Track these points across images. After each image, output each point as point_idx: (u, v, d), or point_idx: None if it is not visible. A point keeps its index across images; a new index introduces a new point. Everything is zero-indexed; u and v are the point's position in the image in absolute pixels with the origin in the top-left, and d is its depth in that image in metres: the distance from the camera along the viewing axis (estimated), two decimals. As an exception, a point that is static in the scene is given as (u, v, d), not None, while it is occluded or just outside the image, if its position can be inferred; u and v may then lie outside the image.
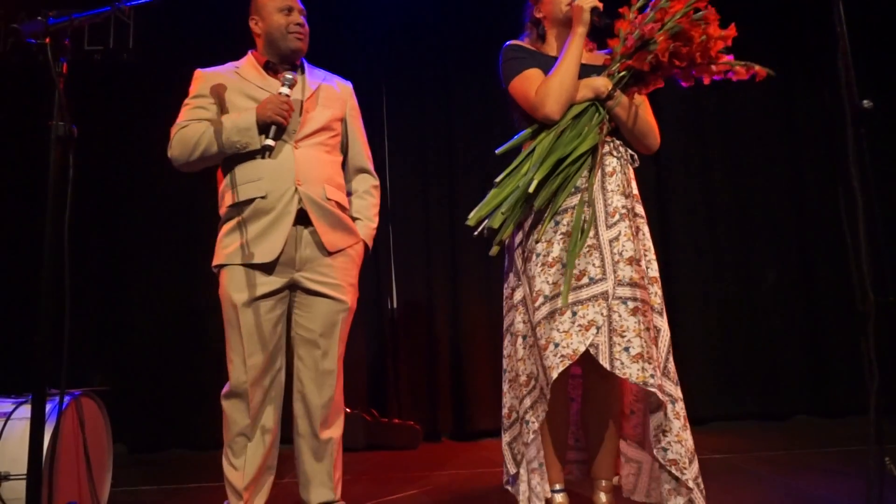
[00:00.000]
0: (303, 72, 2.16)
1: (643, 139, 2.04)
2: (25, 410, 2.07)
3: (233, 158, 2.04)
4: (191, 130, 2.03)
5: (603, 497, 1.98)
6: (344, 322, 2.10)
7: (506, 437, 2.02)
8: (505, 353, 2.07)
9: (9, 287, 3.67)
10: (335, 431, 2.10)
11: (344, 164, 2.22)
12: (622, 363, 1.80)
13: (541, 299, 1.89)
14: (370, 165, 2.27)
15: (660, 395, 1.80)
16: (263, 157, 1.97)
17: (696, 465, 1.85)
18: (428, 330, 3.92)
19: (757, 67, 1.91)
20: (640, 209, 2.02)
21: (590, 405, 2.03)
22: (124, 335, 3.77)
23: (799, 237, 4.03)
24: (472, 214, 1.91)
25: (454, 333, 3.91)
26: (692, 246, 3.99)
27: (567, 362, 1.80)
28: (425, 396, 3.85)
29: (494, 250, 1.94)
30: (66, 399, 2.13)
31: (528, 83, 1.99)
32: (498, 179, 1.95)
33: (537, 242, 1.94)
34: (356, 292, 2.15)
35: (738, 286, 3.98)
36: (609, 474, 2.00)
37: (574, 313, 1.84)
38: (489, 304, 3.88)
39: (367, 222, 2.20)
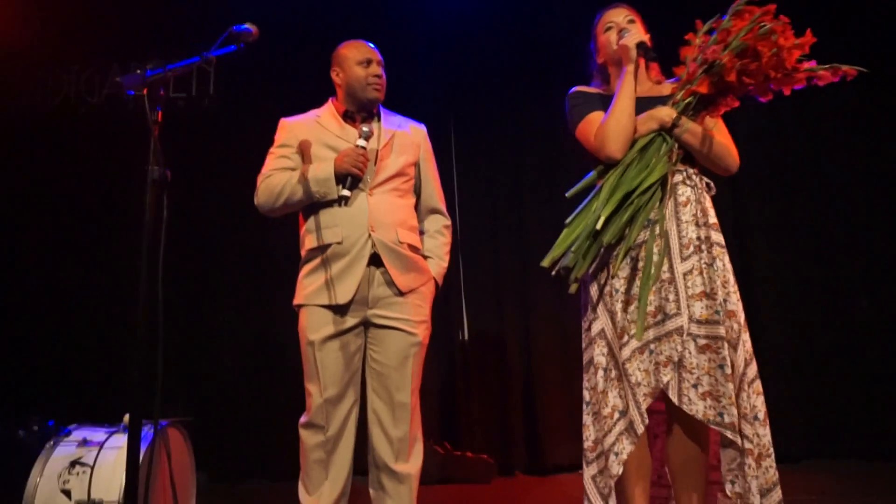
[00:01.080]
0: (379, 119, 2.25)
1: (719, 162, 1.99)
2: (117, 440, 2.17)
3: (313, 205, 2.15)
4: (275, 180, 2.16)
5: (690, 539, 1.90)
6: (416, 356, 2.15)
7: (590, 471, 1.96)
8: (587, 385, 2.04)
9: (106, 321, 3.88)
10: (413, 466, 2.13)
11: (417, 205, 2.31)
12: (689, 399, 1.80)
13: (626, 337, 1.88)
14: (442, 206, 2.35)
15: (729, 434, 1.76)
16: (340, 206, 2.06)
17: (768, 501, 1.79)
18: (499, 362, 3.89)
19: (845, 68, 1.81)
20: (718, 237, 1.96)
21: (674, 441, 1.96)
22: (205, 367, 3.91)
23: (893, 255, 3.79)
24: (546, 257, 1.93)
25: (526, 365, 3.86)
26: (775, 271, 3.82)
27: (649, 400, 1.82)
28: (498, 429, 3.80)
29: (573, 288, 1.93)
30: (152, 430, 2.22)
31: (590, 126, 2.02)
32: (569, 220, 1.96)
33: (613, 278, 1.93)
34: (429, 328, 2.20)
35: (829, 313, 3.76)
36: (696, 512, 1.92)
37: (652, 351, 1.84)
38: (561, 336, 3.83)
39: (438, 261, 2.28)
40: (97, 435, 2.19)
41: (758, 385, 1.89)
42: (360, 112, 2.23)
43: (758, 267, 3.83)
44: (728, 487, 1.80)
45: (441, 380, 3.88)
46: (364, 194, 2.13)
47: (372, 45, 2.26)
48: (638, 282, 1.90)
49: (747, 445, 1.81)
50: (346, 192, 2.03)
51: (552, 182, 3.95)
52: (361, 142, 2.09)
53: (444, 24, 4.11)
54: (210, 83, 3.93)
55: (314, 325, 2.10)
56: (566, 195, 2.01)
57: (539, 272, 3.77)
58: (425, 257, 2.25)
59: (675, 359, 1.81)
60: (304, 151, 2.18)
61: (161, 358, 1.38)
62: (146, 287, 1.37)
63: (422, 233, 2.30)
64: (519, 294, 3.92)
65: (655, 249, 1.88)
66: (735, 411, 1.77)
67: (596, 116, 2.03)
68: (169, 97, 3.94)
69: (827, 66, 1.82)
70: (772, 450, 1.85)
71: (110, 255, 3.95)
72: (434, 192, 2.34)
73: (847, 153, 3.88)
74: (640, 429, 1.82)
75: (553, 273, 1.93)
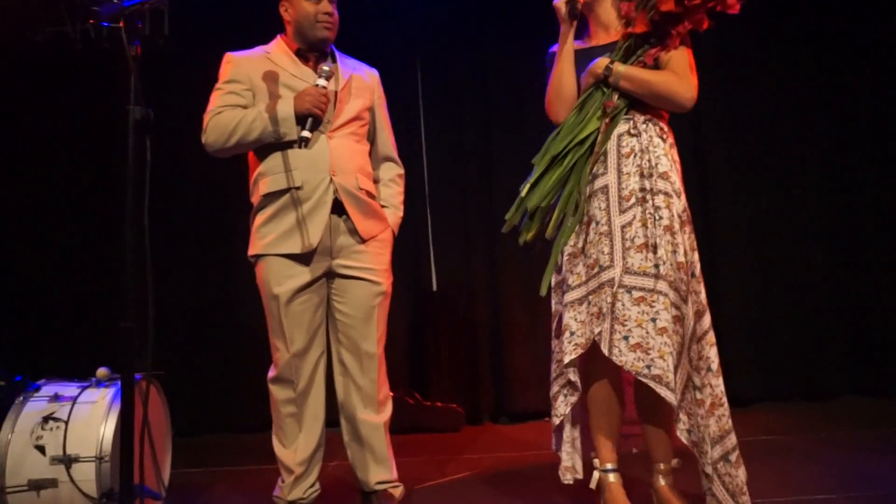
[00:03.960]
0: (334, 60, 2.16)
1: (666, 101, 1.93)
2: (90, 394, 2.11)
3: (267, 147, 2.06)
4: (226, 117, 2.03)
5: (661, 480, 1.96)
6: (381, 305, 2.14)
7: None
8: (553, 334, 2.10)
9: (73, 275, 3.74)
10: (383, 415, 2.16)
11: (371, 152, 2.25)
12: (620, 350, 1.81)
13: (565, 286, 1.95)
14: (395, 154, 2.31)
15: (653, 385, 1.78)
16: (301, 147, 1.97)
17: (718, 451, 1.88)
18: (468, 313, 3.92)
19: None
20: (665, 186, 1.89)
21: (637, 389, 2.00)
22: (165, 322, 3.80)
23: (844, 214, 3.92)
24: (506, 224, 2.03)
25: (494, 316, 3.91)
26: (732, 224, 3.92)
27: (580, 350, 1.88)
28: (467, 379, 3.86)
29: (534, 250, 2.04)
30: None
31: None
32: (521, 187, 1.99)
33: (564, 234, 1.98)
34: (390, 276, 2.19)
35: (781, 264, 3.90)
36: (666, 457, 1.98)
37: (589, 302, 1.89)
38: (529, 286, 3.84)
39: (394, 210, 2.25)
40: (69, 390, 2.12)
41: (711, 337, 1.94)
42: (311, 51, 2.13)
43: (715, 217, 3.91)
44: (685, 437, 1.85)
45: (410, 331, 3.89)
46: (324, 137, 2.06)
47: None
48: (583, 237, 1.94)
49: (699, 396, 1.88)
50: (306, 134, 1.94)
51: (521, 129, 3.91)
52: (321, 81, 1.99)
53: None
54: (165, 23, 3.69)
55: (277, 278, 2.04)
56: (532, 162, 2.02)
57: (502, 224, 3.84)
58: (382, 206, 2.22)
59: (605, 310, 1.84)
60: (253, 83, 2.06)
61: (152, 308, 1.32)
62: (132, 237, 1.30)
63: (376, 181, 2.25)
64: (487, 244, 3.93)
65: (596, 204, 1.92)
66: (663, 364, 1.78)
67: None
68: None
69: None
70: (724, 399, 1.91)
71: (76, 203, 3.80)
72: (388, 138, 2.29)
73: (804, 113, 3.97)
74: (573, 376, 1.90)
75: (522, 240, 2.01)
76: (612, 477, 1.95)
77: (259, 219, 2.09)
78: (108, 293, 3.62)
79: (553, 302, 2.05)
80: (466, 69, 4.02)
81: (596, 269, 1.89)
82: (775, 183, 3.95)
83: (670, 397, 1.78)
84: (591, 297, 1.90)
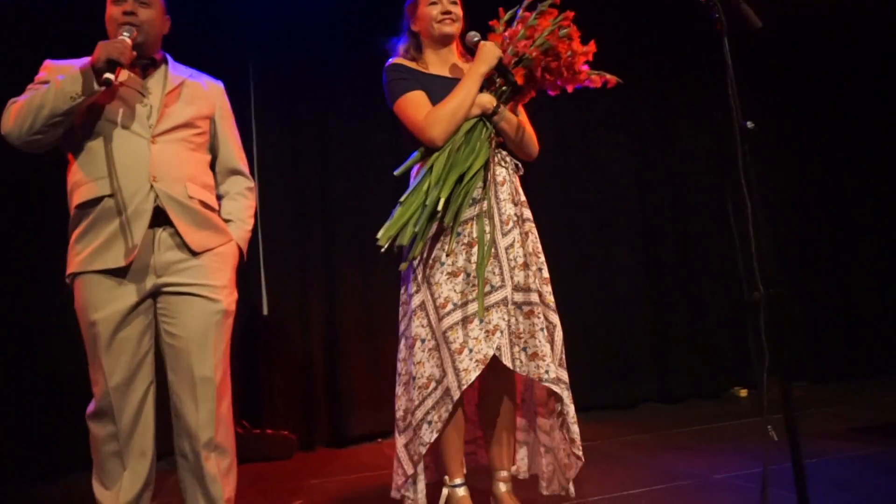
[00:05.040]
0: (165, 65, 2.03)
1: (525, 149, 2.18)
2: None
3: (78, 153, 1.88)
4: (24, 100, 1.82)
5: (502, 487, 2.08)
6: (219, 325, 1.91)
7: (401, 440, 2.06)
8: (401, 357, 2.12)
9: None
10: (224, 453, 1.92)
11: (213, 165, 2.10)
12: (521, 362, 1.98)
13: (450, 306, 1.98)
14: (243, 167, 2.15)
15: (554, 388, 1.97)
16: (105, 88, 1.77)
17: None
18: (301, 337, 3.82)
19: (607, 76, 2.10)
20: (528, 213, 2.15)
21: (488, 401, 2.13)
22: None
23: (643, 234, 4.46)
24: (381, 233, 1.96)
25: (328, 339, 3.85)
26: (557, 248, 4.25)
27: (481, 366, 1.93)
28: (300, 405, 3.75)
29: (404, 266, 2.04)
30: None
31: (412, 106, 2.08)
32: (402, 198, 2.01)
33: (443, 252, 2.02)
34: (232, 294, 1.98)
35: (596, 284, 4.30)
36: (507, 465, 2.11)
37: (481, 320, 1.96)
38: (364, 310, 3.89)
39: (240, 224, 2.06)
40: None
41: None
42: (135, 60, 1.94)
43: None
44: (569, 435, 2.00)
45: (240, 357, 3.68)
46: (144, 141, 1.87)
47: None
48: (464, 256, 2.02)
49: (567, 393, 2.02)
50: (109, 76, 1.73)
51: (359, 149, 3.94)
52: (126, 38, 1.82)
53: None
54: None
55: (94, 301, 1.83)
56: (395, 173, 2.07)
57: (343, 244, 3.83)
58: (226, 221, 2.03)
59: (503, 327, 1.95)
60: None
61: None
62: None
63: (220, 197, 2.08)
64: (323, 267, 3.88)
65: (487, 228, 2.01)
66: (553, 367, 1.97)
67: (418, 96, 2.09)
68: None
69: (597, 72, 2.10)
70: None
71: None
72: (233, 151, 2.12)
73: (614, 151, 4.48)
74: (457, 394, 1.92)
75: (383, 250, 1.96)
76: (461, 491, 2.02)
77: (74, 234, 1.88)
78: None
79: (413, 325, 2.04)
80: (304, 83, 3.95)
81: (487, 289, 1.98)
82: (594, 206, 4.37)
83: (561, 393, 1.98)
84: (483, 315, 1.95)
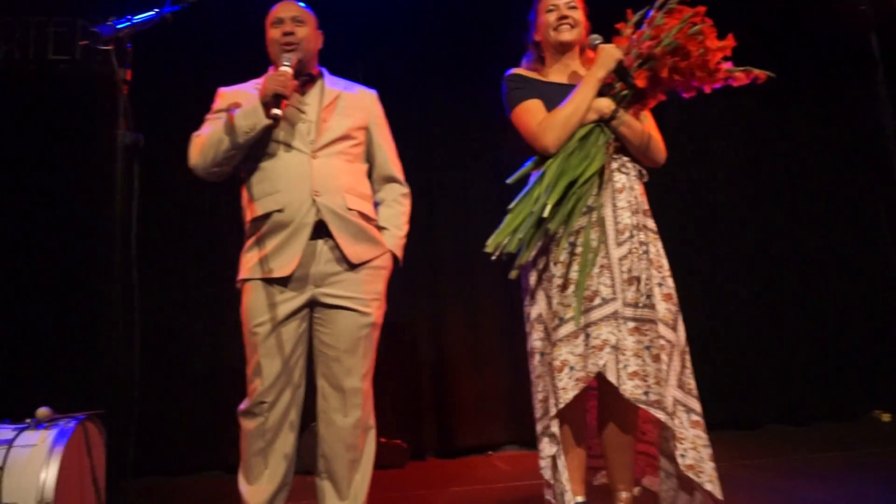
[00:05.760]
0: (321, 80, 2.13)
1: (650, 155, 2.10)
2: (28, 437, 1.95)
3: (251, 172, 2.02)
4: (204, 136, 2.01)
5: (624, 507, 2.01)
6: (368, 338, 2.03)
7: (539, 449, 2.02)
8: (532, 370, 2.10)
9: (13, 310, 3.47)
10: (364, 460, 2.04)
11: (371, 174, 2.19)
12: (623, 380, 1.88)
13: (557, 320, 1.95)
14: (398, 173, 2.21)
15: (651, 411, 1.87)
16: (275, 124, 1.92)
17: (712, 464, 1.93)
18: (411, 348, 3.88)
19: (756, 71, 1.96)
20: (650, 223, 2.07)
21: (606, 417, 2.06)
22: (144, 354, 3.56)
23: (762, 250, 4.19)
24: (489, 241, 1.96)
25: (437, 351, 3.89)
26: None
27: (581, 385, 1.89)
28: (409, 414, 3.80)
29: (514, 274, 1.99)
30: (73, 423, 2.03)
31: (528, 114, 2.07)
32: (511, 206, 2.00)
33: (554, 264, 1.99)
34: (383, 306, 2.09)
35: (705, 291, 4.07)
36: (628, 485, 2.03)
37: (588, 335, 1.90)
38: (472, 321, 3.90)
39: (394, 231, 2.13)
40: (3, 433, 1.95)
41: (690, 364, 2.02)
42: (295, 77, 2.05)
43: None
44: (680, 461, 1.90)
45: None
46: (306, 157, 2.00)
47: (303, 5, 2.13)
48: (576, 266, 1.96)
49: (694, 417, 1.93)
50: (277, 111, 1.86)
51: (464, 161, 3.95)
52: (285, 67, 1.95)
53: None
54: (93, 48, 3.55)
55: (256, 307, 1.97)
56: (507, 181, 2.05)
57: (449, 251, 3.85)
58: (381, 228, 2.12)
59: (612, 342, 1.89)
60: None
61: (138, 338, 1.24)
62: (119, 272, 1.21)
63: (377, 204, 2.17)
64: (430, 278, 3.92)
65: (593, 236, 1.95)
66: (661, 390, 1.87)
67: (533, 104, 2.08)
68: (48, 58, 3.53)
69: (742, 68, 1.96)
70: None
71: (9, 233, 3.56)
72: (388, 158, 2.20)
73: (735, 153, 4.24)
74: (553, 411, 1.89)
75: (493, 258, 1.95)
76: (579, 510, 1.98)
77: (246, 244, 2.04)
78: (64, 329, 3.43)
79: (534, 338, 2.03)
80: (408, 100, 3.95)
81: (597, 301, 1.92)
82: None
83: (668, 421, 1.86)
84: (590, 330, 1.91)
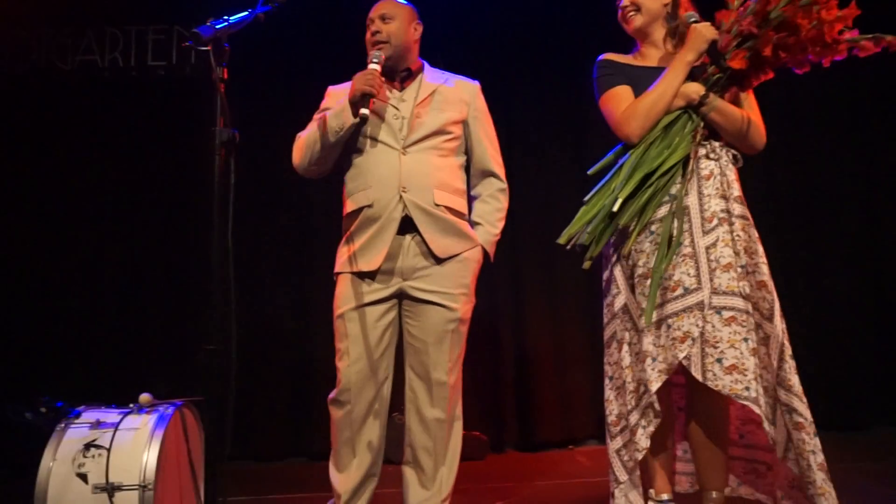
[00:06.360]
0: (421, 75, 2.15)
1: (745, 140, 1.98)
2: (132, 421, 2.07)
3: (347, 169, 2.08)
4: (305, 135, 2.09)
5: (715, 508, 1.93)
6: (455, 332, 2.03)
7: (613, 445, 1.98)
8: (609, 360, 2.05)
9: (111, 302, 3.70)
10: (452, 450, 2.06)
11: (469, 167, 2.19)
12: (714, 374, 1.78)
13: (640, 311, 1.89)
14: (497, 168, 2.18)
15: (754, 408, 1.76)
16: (362, 124, 1.96)
17: (822, 474, 1.81)
18: (492, 341, 3.87)
19: (888, 38, 1.77)
20: (742, 210, 1.95)
21: (694, 416, 1.99)
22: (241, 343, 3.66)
23: (871, 242, 3.91)
24: (563, 234, 1.93)
25: (517, 342, 3.87)
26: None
27: (664, 377, 1.81)
28: (490, 407, 3.80)
29: (587, 265, 1.95)
30: (171, 409, 2.12)
31: (614, 101, 2.00)
32: (587, 198, 1.96)
33: (637, 253, 1.93)
34: (471, 300, 2.09)
35: (805, 293, 3.87)
36: (719, 485, 1.95)
37: (669, 326, 1.83)
38: (554, 314, 3.85)
39: (487, 227, 2.13)
40: (110, 416, 2.07)
41: (792, 359, 1.90)
42: (392, 72, 2.12)
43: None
44: (792, 467, 1.81)
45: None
46: (396, 153, 2.03)
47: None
48: (654, 256, 1.89)
49: (797, 419, 1.82)
50: (364, 111, 1.90)
51: (543, 149, 3.89)
52: (373, 65, 1.99)
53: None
54: (192, 51, 3.74)
55: (344, 296, 2.03)
56: (588, 172, 2.01)
57: (532, 249, 3.82)
58: (474, 224, 2.12)
59: (695, 334, 1.80)
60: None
61: (235, 329, 1.30)
62: (218, 255, 1.28)
63: (475, 198, 2.17)
64: (511, 271, 3.90)
65: (674, 226, 1.87)
66: (759, 387, 1.77)
67: (622, 91, 2.00)
68: (148, 64, 3.75)
69: (870, 35, 1.77)
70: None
71: (115, 229, 3.78)
72: (486, 152, 2.16)
73: (828, 132, 3.96)
74: (645, 399, 1.82)
75: (568, 248, 1.94)
76: (669, 508, 1.92)
77: (343, 239, 2.11)
78: (163, 319, 3.62)
79: (618, 328, 1.98)
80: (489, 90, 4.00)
81: (679, 292, 1.85)
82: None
83: (767, 423, 1.77)
84: (671, 321, 1.84)
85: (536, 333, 3.85)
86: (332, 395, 2.06)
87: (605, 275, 2.06)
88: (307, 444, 3.62)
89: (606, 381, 2.04)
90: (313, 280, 3.62)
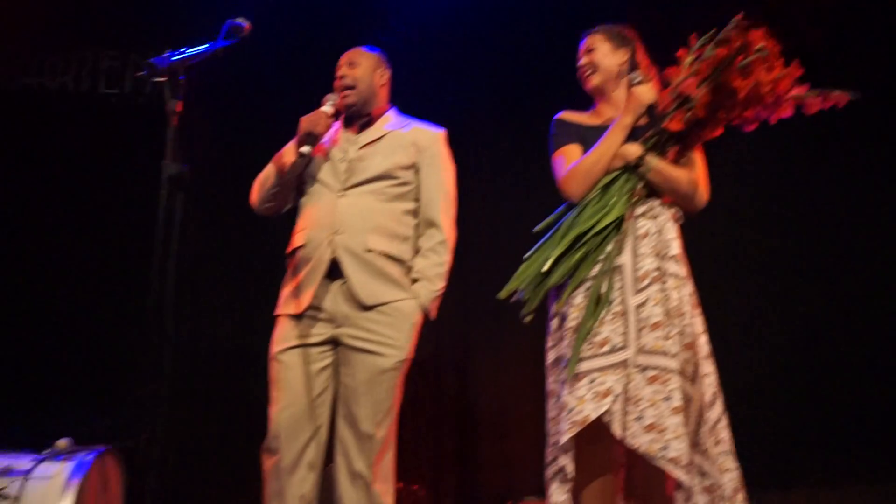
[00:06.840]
0: (383, 117, 2.17)
1: (683, 199, 2.01)
2: (46, 468, 1.93)
3: (296, 206, 2.12)
4: (262, 174, 2.14)
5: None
6: (386, 383, 1.95)
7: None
8: (549, 415, 2.04)
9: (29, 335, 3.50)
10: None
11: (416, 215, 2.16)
12: (633, 433, 1.77)
13: (563, 363, 1.91)
14: (441, 218, 2.10)
15: (670, 469, 1.74)
16: (301, 160, 2.01)
17: None
18: (433, 389, 3.80)
19: (835, 94, 1.78)
20: (676, 269, 1.95)
21: (631, 473, 1.97)
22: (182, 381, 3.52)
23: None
24: (504, 289, 1.96)
25: (459, 393, 3.81)
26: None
27: (576, 429, 1.78)
28: (429, 460, 3.71)
29: (528, 319, 1.96)
30: (91, 456, 2.00)
31: (560, 161, 2.06)
32: (527, 255, 1.99)
33: (570, 307, 1.94)
34: (405, 353, 2.00)
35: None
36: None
37: (592, 380, 1.82)
38: (500, 366, 3.83)
39: (426, 283, 2.03)
40: (21, 463, 1.93)
41: (725, 420, 1.92)
42: (352, 118, 2.17)
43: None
44: None
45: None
46: (333, 196, 2.03)
47: (364, 48, 2.21)
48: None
49: (705, 482, 1.82)
50: (304, 149, 1.95)
51: (496, 201, 3.92)
52: (325, 108, 2.04)
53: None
54: (147, 81, 3.67)
55: (278, 338, 2.00)
56: (533, 231, 2.03)
57: (476, 293, 3.80)
58: (414, 280, 2.05)
59: (618, 390, 1.79)
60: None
61: (168, 372, 1.22)
62: (154, 300, 1.21)
63: (418, 251, 2.11)
64: (456, 320, 3.85)
65: (604, 286, 1.89)
66: (680, 446, 1.75)
67: (570, 150, 2.05)
68: (101, 92, 3.66)
69: (816, 91, 1.78)
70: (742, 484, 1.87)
71: (54, 257, 3.61)
72: (432, 201, 2.09)
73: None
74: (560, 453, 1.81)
75: (511, 301, 1.95)
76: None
77: (284, 279, 2.10)
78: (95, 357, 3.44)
79: (549, 381, 1.99)
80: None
81: (606, 348, 1.84)
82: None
83: (686, 480, 1.74)
84: (595, 375, 1.82)
85: (480, 383, 3.81)
86: (265, 442, 1.98)
87: (547, 329, 2.07)
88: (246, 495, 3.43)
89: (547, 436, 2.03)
90: (260, 319, 3.48)
